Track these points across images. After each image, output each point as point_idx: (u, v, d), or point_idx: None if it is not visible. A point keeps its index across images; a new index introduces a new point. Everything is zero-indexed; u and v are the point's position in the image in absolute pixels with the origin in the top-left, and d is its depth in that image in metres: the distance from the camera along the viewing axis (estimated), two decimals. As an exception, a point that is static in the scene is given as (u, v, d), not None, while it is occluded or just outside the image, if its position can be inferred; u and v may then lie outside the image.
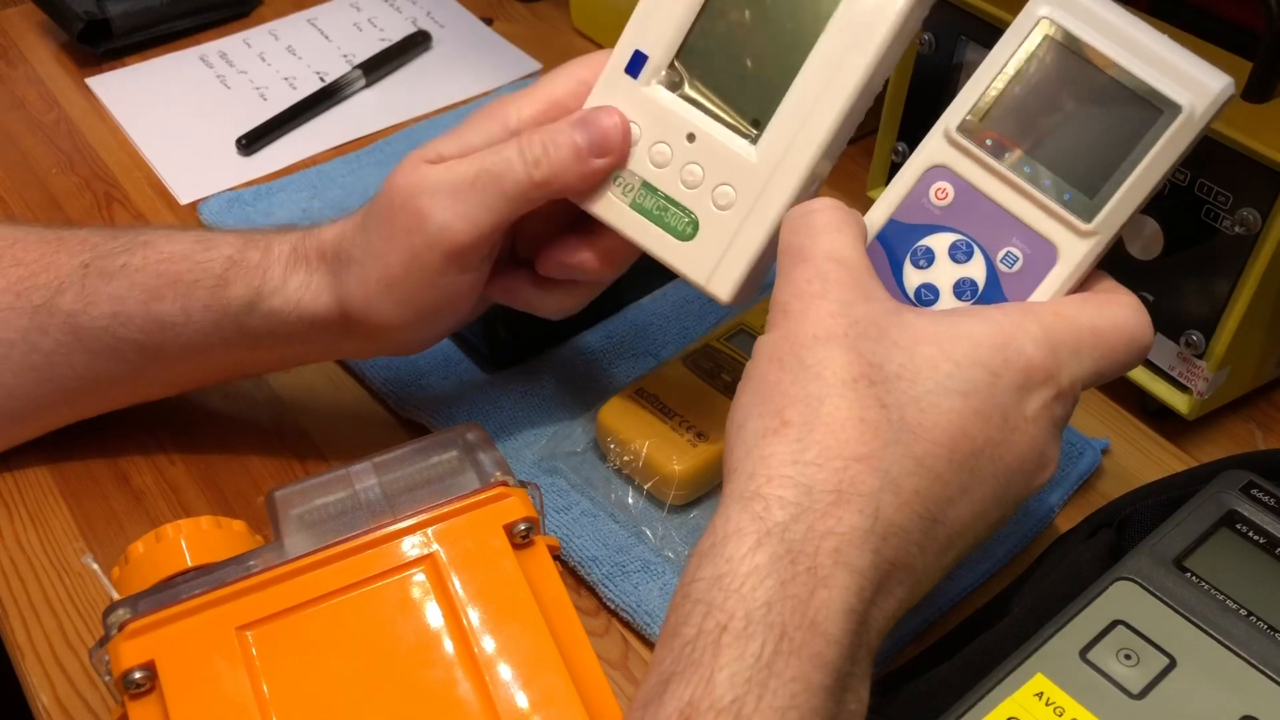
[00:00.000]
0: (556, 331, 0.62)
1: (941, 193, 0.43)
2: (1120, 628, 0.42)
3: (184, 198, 0.74)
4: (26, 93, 0.83)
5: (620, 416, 0.54)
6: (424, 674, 0.41)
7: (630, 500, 0.53)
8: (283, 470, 0.57)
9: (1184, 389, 0.56)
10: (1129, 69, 0.40)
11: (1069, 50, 0.41)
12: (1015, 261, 0.42)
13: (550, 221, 0.51)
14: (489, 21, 0.90)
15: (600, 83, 0.49)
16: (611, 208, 0.48)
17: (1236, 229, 0.51)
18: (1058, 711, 0.40)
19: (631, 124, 0.48)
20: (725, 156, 0.47)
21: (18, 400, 0.53)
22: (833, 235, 0.41)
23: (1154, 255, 0.53)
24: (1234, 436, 0.58)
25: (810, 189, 0.47)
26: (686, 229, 0.47)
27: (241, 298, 0.50)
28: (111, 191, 0.74)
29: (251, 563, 0.43)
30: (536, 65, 0.85)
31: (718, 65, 0.47)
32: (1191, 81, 0.40)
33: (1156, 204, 0.53)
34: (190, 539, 0.44)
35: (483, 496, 0.45)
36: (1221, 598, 0.43)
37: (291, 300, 0.50)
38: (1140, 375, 0.57)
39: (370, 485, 0.47)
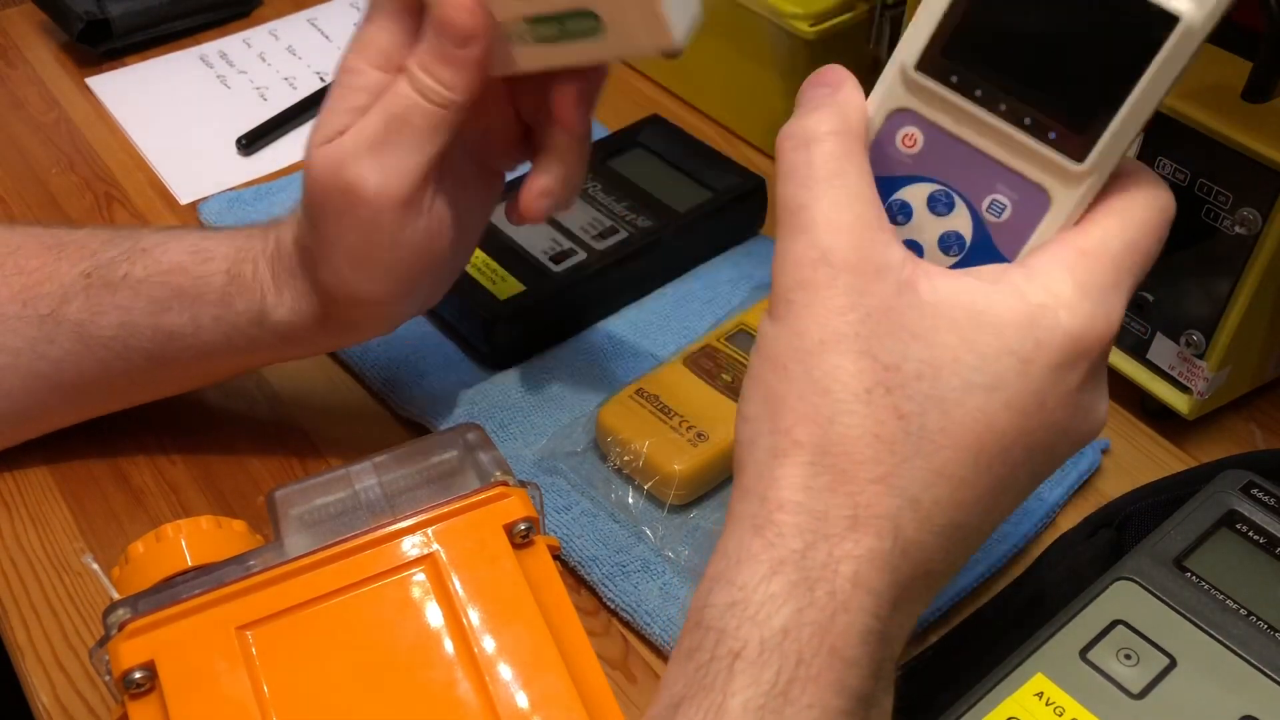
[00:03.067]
0: (556, 331, 0.62)
1: (909, 139, 0.37)
2: (1120, 627, 0.42)
3: (184, 198, 0.74)
4: (26, 93, 0.83)
5: (620, 416, 0.54)
6: (424, 674, 0.41)
7: (630, 500, 0.53)
8: (282, 470, 0.57)
9: (1184, 389, 0.56)
10: None
11: None
12: (1003, 210, 0.36)
13: (505, 120, 0.50)
14: (489, 21, 0.90)
15: None
16: (524, 57, 0.46)
17: (1236, 229, 0.51)
18: (1058, 711, 0.40)
19: None
20: None
21: (23, 405, 0.53)
22: (835, 189, 0.35)
23: (1154, 255, 0.53)
24: (1234, 436, 0.58)
25: None
26: (596, 24, 0.45)
27: (248, 312, 0.50)
28: (111, 191, 0.74)
29: (251, 563, 0.43)
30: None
31: None
32: None
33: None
34: (190, 539, 0.44)
35: (483, 496, 0.45)
36: (1221, 597, 0.43)
37: (294, 310, 0.50)
38: (1140, 375, 0.57)
39: (370, 485, 0.47)
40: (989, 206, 0.37)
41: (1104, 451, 0.56)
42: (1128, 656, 0.41)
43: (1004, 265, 0.36)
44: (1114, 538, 0.48)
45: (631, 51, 0.46)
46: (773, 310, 0.36)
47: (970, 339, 0.34)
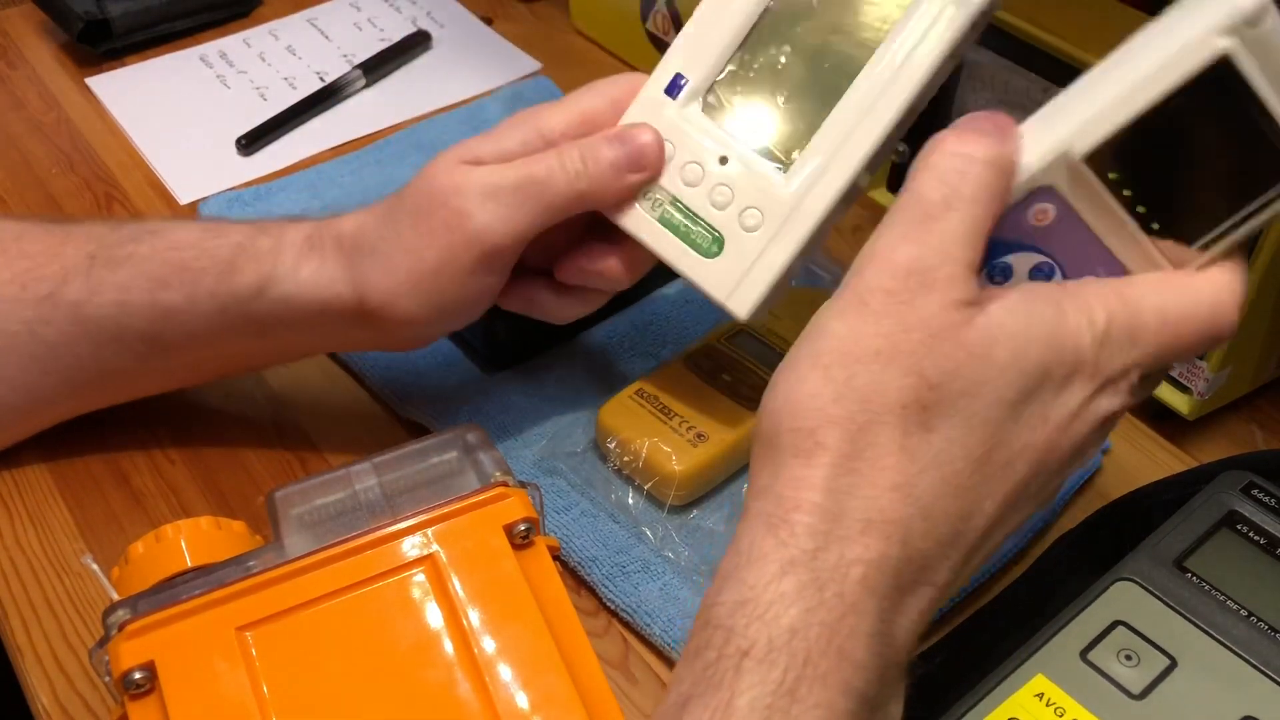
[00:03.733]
0: (556, 332, 0.62)
1: (1042, 214, 0.38)
2: (1121, 628, 0.42)
3: (184, 198, 0.74)
4: (26, 93, 0.83)
5: (620, 417, 0.54)
6: (424, 674, 0.41)
7: (630, 500, 0.53)
8: (282, 470, 0.57)
9: (1184, 389, 0.56)
10: None
11: (1233, 91, 0.36)
12: None
13: (567, 231, 0.51)
14: (489, 21, 0.90)
15: (639, 100, 0.50)
16: (640, 221, 0.50)
17: (1237, 229, 0.51)
18: (1058, 712, 0.40)
19: (666, 142, 0.49)
20: (756, 181, 0.48)
21: (22, 393, 0.53)
22: (967, 215, 0.36)
23: (1154, 255, 0.53)
24: (1234, 437, 0.58)
25: (845, 205, 0.48)
26: (711, 247, 0.49)
27: (249, 284, 0.50)
28: (111, 192, 0.74)
29: (251, 563, 0.43)
30: (536, 65, 0.85)
31: (756, 94, 0.49)
32: None
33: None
34: (190, 539, 0.44)
35: (483, 497, 0.45)
36: (1222, 598, 0.43)
37: (304, 286, 0.50)
38: (1140, 375, 0.57)
39: (370, 485, 0.47)
40: None
41: (1104, 451, 0.56)
42: (1128, 657, 0.41)
43: (1054, 284, 0.38)
44: (1114, 538, 0.48)
45: (711, 289, 0.49)
46: (842, 300, 0.36)
47: (1020, 356, 0.35)
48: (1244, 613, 0.42)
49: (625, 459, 0.53)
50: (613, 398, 0.55)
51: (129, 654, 0.40)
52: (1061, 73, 0.55)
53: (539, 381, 0.59)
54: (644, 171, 0.49)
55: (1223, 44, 0.35)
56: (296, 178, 0.74)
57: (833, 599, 0.33)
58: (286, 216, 0.53)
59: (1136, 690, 0.40)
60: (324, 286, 0.50)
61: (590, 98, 0.51)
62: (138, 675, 0.40)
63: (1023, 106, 0.57)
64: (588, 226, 0.52)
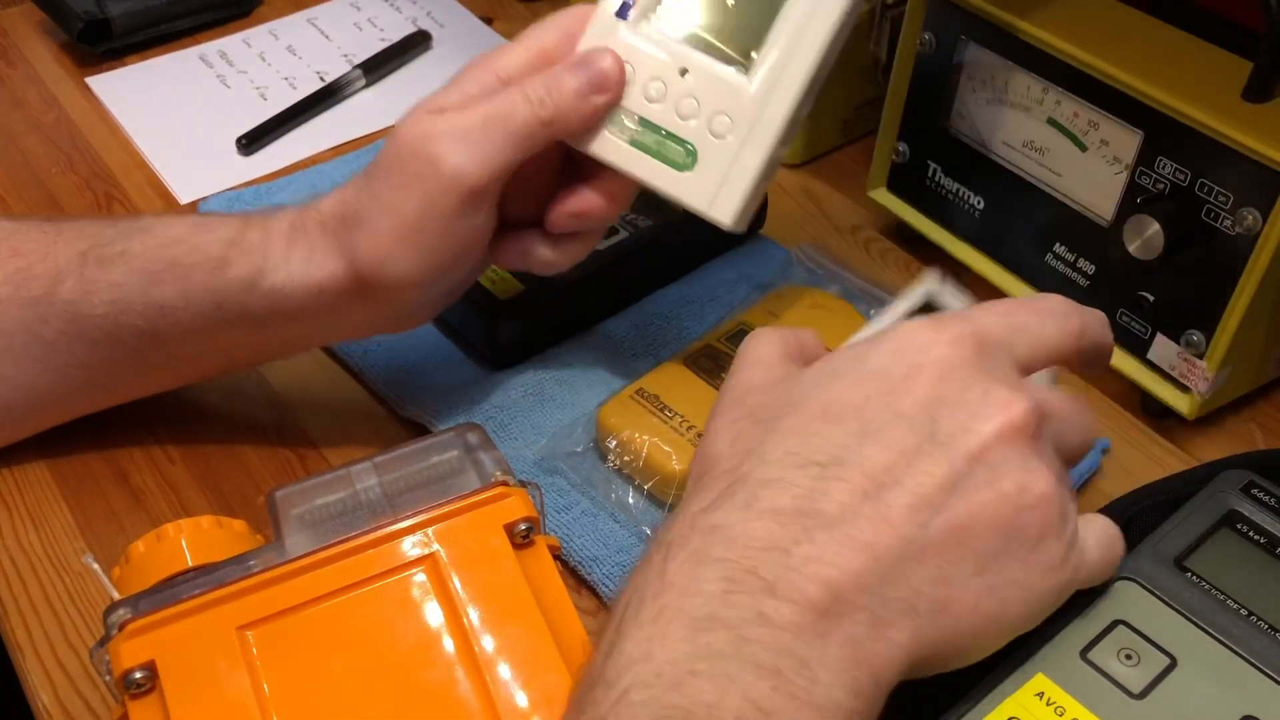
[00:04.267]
0: (557, 331, 0.62)
1: None
2: (1121, 627, 0.42)
3: (184, 197, 0.74)
4: (26, 93, 0.83)
5: (620, 416, 0.54)
6: (424, 673, 0.41)
7: (631, 500, 0.53)
8: (283, 470, 0.57)
9: (1184, 389, 0.56)
10: None
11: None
12: None
13: (547, 180, 0.52)
14: (489, 21, 0.90)
15: (591, 28, 0.51)
16: (610, 147, 0.50)
17: (1237, 229, 0.51)
18: (1058, 711, 0.40)
19: (625, 65, 0.50)
20: (718, 87, 0.49)
21: (19, 393, 0.53)
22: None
23: (1154, 255, 0.53)
24: (1235, 436, 0.58)
25: (810, 98, 0.49)
26: (686, 160, 0.49)
27: (242, 277, 0.50)
28: (111, 191, 0.74)
29: (252, 562, 0.43)
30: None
31: (702, 3, 0.50)
32: None
33: (1157, 204, 0.53)
34: (191, 538, 0.44)
35: (483, 496, 0.45)
36: (1222, 597, 0.43)
37: (295, 274, 0.50)
38: (1140, 375, 0.57)
39: (371, 485, 0.47)
40: None
41: (1104, 451, 0.56)
42: (1128, 656, 0.41)
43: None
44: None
45: (692, 201, 0.50)
46: None
47: (827, 359, 0.40)
48: (1244, 612, 0.42)
49: (625, 458, 0.53)
50: (613, 397, 0.55)
51: (130, 653, 0.40)
52: (1062, 73, 0.55)
53: (539, 381, 0.59)
54: (607, 93, 0.49)
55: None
56: (296, 178, 0.74)
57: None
58: (273, 206, 0.53)
59: (1137, 689, 0.40)
60: (315, 269, 0.50)
61: (543, 33, 0.51)
62: (138, 674, 0.40)
63: (1024, 107, 0.58)
64: (565, 173, 0.52)
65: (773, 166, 0.49)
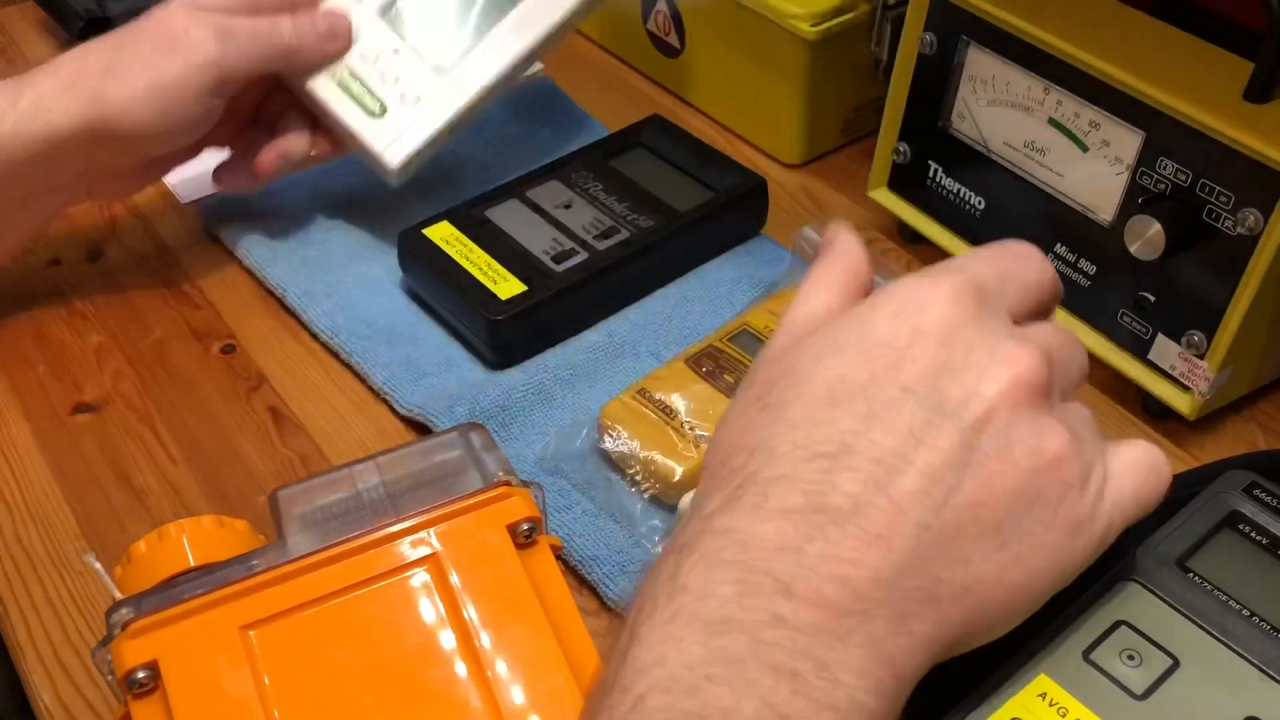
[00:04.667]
0: (558, 331, 0.62)
1: None
2: (1123, 628, 0.42)
3: (184, 197, 0.73)
4: (26, 91, 0.83)
5: (622, 416, 0.54)
6: (427, 673, 0.41)
7: (631, 501, 0.53)
8: (284, 470, 0.57)
9: (1185, 389, 0.56)
10: None
11: None
12: None
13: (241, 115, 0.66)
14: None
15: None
16: (324, 85, 0.65)
17: (1238, 229, 0.51)
18: (1061, 712, 0.40)
19: (355, 29, 0.66)
20: (418, 72, 0.65)
21: None
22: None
23: (1156, 256, 0.53)
24: (1236, 437, 0.58)
25: (491, 95, 0.66)
26: (377, 109, 0.64)
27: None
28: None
29: (254, 562, 0.43)
30: (537, 65, 0.85)
31: (426, 13, 0.66)
32: None
33: (1158, 204, 0.53)
34: (193, 538, 0.44)
35: (486, 496, 0.45)
36: (1225, 598, 0.43)
37: (24, 117, 0.57)
38: (1141, 375, 0.57)
39: (373, 485, 0.47)
40: None
41: (1105, 452, 0.56)
42: (1131, 657, 0.41)
43: None
44: (1116, 538, 0.48)
45: (371, 140, 0.65)
46: None
47: (825, 330, 0.39)
48: (1247, 613, 0.42)
49: (627, 459, 0.53)
50: (614, 397, 0.55)
51: (132, 653, 0.40)
52: (1063, 73, 0.55)
53: (540, 381, 0.59)
54: (339, 43, 0.65)
55: None
56: (297, 178, 0.74)
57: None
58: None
59: (1139, 690, 0.40)
60: (45, 113, 0.58)
61: None
62: (141, 674, 0.40)
63: (1025, 107, 0.58)
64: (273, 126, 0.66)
65: (445, 137, 0.65)
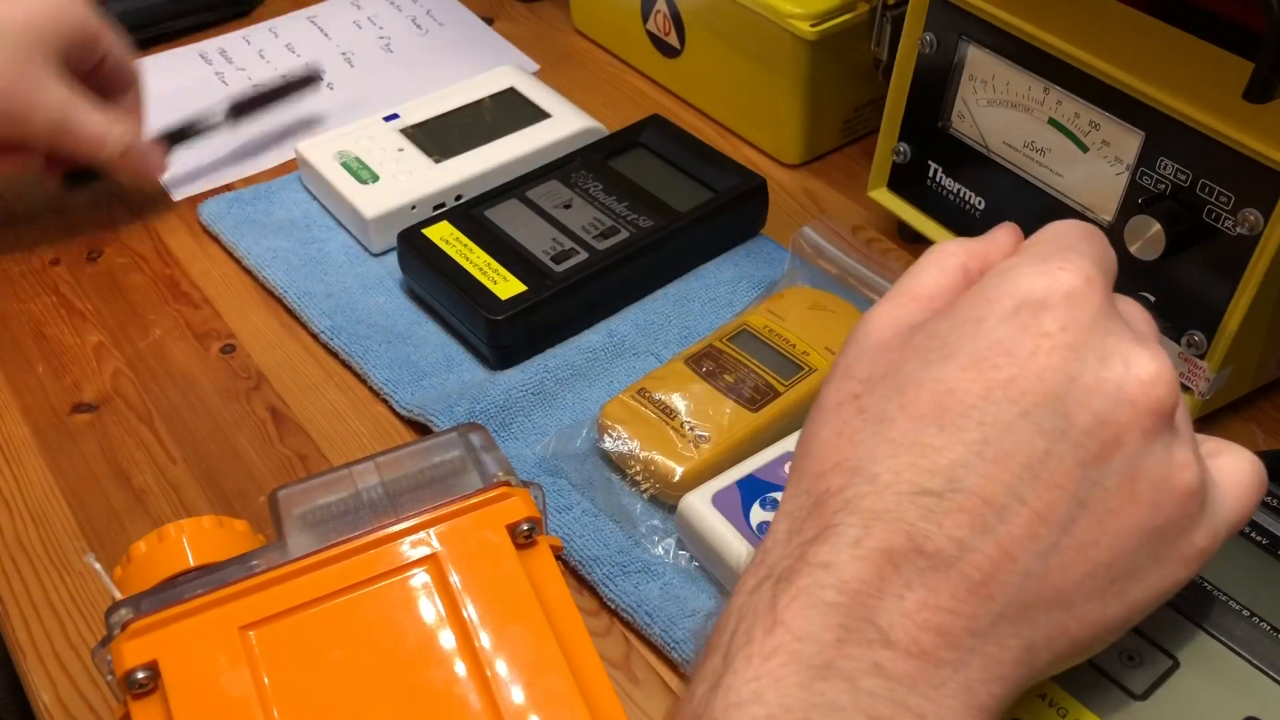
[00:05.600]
0: (558, 331, 0.62)
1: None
2: (1123, 628, 0.42)
3: (178, 195, 0.74)
4: (26, 91, 0.83)
5: (622, 417, 0.54)
6: (426, 673, 0.41)
7: (631, 501, 0.53)
8: (284, 470, 0.57)
9: (1185, 389, 0.56)
10: None
11: None
12: None
13: None
14: (490, 21, 0.90)
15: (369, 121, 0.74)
16: (328, 162, 0.71)
17: (1238, 229, 0.51)
18: (1061, 712, 0.40)
19: (368, 132, 0.73)
20: (414, 160, 0.71)
21: None
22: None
23: (1155, 256, 0.53)
24: (1235, 437, 0.58)
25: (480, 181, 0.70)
26: (369, 178, 0.70)
27: None
28: (110, 188, 0.74)
29: (254, 562, 0.43)
30: (535, 65, 0.85)
31: (435, 134, 0.74)
32: None
33: (1158, 204, 0.53)
34: (193, 538, 0.44)
35: (485, 496, 0.45)
36: (1224, 598, 0.43)
37: None
38: (1141, 375, 0.57)
39: (373, 485, 0.47)
40: None
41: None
42: (1130, 658, 0.41)
43: None
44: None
45: (351, 199, 0.69)
46: None
47: (933, 328, 0.35)
48: (1246, 613, 0.42)
49: (627, 459, 0.53)
50: (614, 398, 0.55)
51: (132, 653, 0.40)
52: (1062, 73, 0.55)
53: (540, 381, 0.59)
54: (155, 175, 0.72)
55: None
56: (296, 177, 0.74)
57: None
58: None
59: (1139, 690, 0.40)
60: None
61: None
62: (140, 674, 0.40)
63: (1025, 107, 0.58)
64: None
65: (423, 206, 0.69)
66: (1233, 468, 0.36)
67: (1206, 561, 0.35)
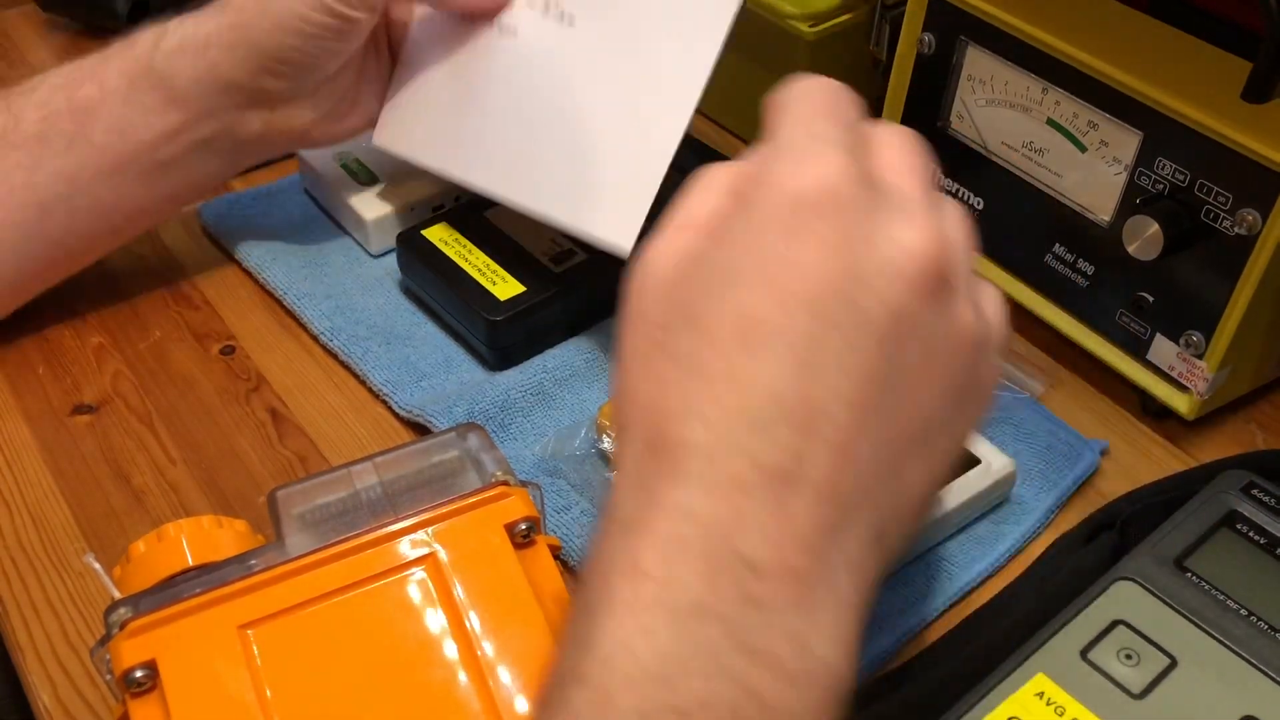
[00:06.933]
0: (557, 332, 0.62)
1: None
2: (1121, 627, 0.42)
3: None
4: (27, 93, 0.83)
5: (621, 416, 0.54)
6: (425, 673, 0.41)
7: (631, 500, 0.53)
8: (283, 470, 0.57)
9: (1184, 389, 0.56)
10: None
11: None
12: None
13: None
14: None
15: None
16: (328, 166, 0.70)
17: (1236, 230, 0.51)
18: (1059, 711, 0.40)
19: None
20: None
21: None
22: None
23: (1154, 256, 0.53)
24: (1234, 437, 0.58)
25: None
26: (368, 180, 0.69)
27: (146, 40, 0.57)
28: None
29: (253, 562, 0.43)
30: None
31: None
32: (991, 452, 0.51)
33: (1156, 204, 0.53)
34: (191, 538, 0.44)
35: (484, 496, 0.45)
36: (1222, 598, 0.43)
37: (187, 28, 0.57)
38: (1140, 375, 0.57)
39: (371, 485, 0.47)
40: None
41: (1103, 452, 0.56)
42: (1128, 656, 0.41)
43: None
44: (1114, 538, 0.49)
45: (352, 218, 0.69)
46: None
47: (713, 256, 0.36)
48: (1244, 612, 0.42)
49: (626, 459, 0.53)
50: (614, 398, 0.55)
51: (130, 652, 0.40)
52: (1061, 73, 0.55)
53: (540, 382, 0.59)
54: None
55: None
56: (297, 178, 0.74)
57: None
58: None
59: (1137, 689, 0.40)
60: (202, 25, 0.57)
61: None
62: (139, 674, 0.40)
63: (1023, 107, 0.58)
64: None
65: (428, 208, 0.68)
66: (990, 296, 0.38)
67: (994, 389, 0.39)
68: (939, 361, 0.35)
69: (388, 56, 0.64)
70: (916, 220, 0.35)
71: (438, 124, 0.62)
